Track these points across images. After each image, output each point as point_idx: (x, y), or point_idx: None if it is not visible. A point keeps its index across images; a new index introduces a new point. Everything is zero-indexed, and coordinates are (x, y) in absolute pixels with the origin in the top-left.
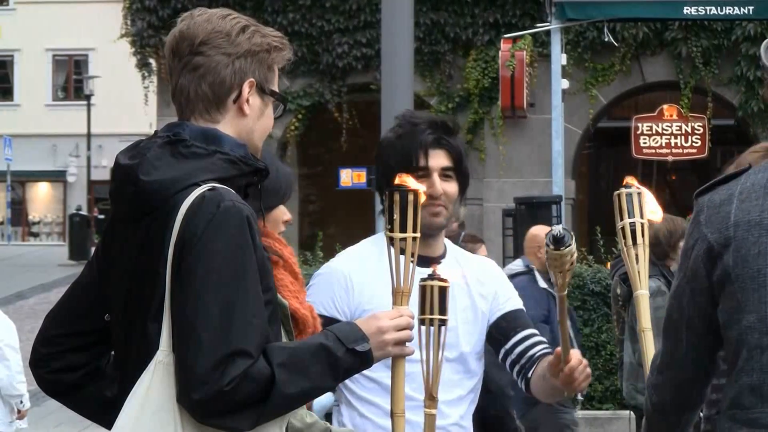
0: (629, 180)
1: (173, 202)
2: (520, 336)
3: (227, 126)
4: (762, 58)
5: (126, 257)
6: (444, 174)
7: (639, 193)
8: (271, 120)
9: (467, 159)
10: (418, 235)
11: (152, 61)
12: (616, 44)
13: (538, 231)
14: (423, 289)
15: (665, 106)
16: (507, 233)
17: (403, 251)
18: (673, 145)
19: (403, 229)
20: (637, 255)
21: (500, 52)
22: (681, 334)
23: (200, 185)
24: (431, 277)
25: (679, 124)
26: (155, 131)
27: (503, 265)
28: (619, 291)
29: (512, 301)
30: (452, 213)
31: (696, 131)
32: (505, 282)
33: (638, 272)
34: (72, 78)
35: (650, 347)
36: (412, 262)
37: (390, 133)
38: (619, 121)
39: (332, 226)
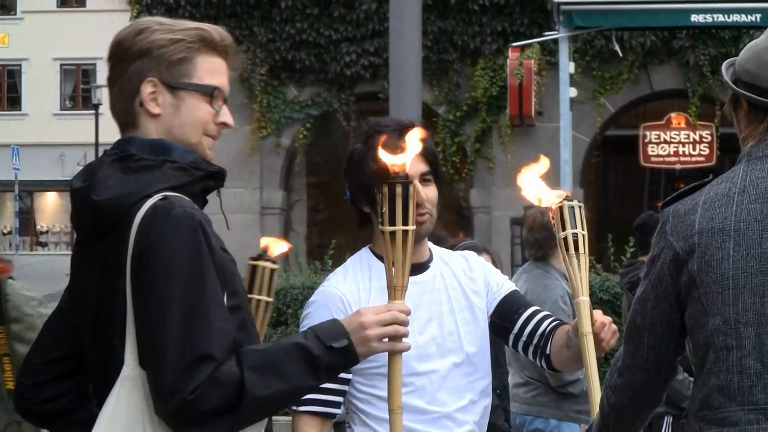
0: (568, 193)
1: (128, 217)
2: (525, 316)
3: (146, 129)
4: (723, 75)
5: (91, 278)
6: (423, 179)
7: (579, 206)
8: (197, 113)
9: (438, 157)
10: (410, 227)
11: None
12: (620, 54)
13: None
14: (254, 268)
15: (673, 115)
16: (515, 241)
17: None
18: (681, 153)
19: (395, 222)
20: (579, 264)
21: (508, 61)
22: (643, 338)
23: (152, 196)
24: (261, 256)
25: (687, 132)
26: (104, 150)
27: (511, 273)
28: (624, 300)
29: (505, 285)
30: (435, 217)
31: (704, 139)
32: (491, 269)
33: (580, 280)
34: (80, 87)
35: (591, 351)
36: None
37: (359, 144)
38: (627, 129)
39: (341, 235)
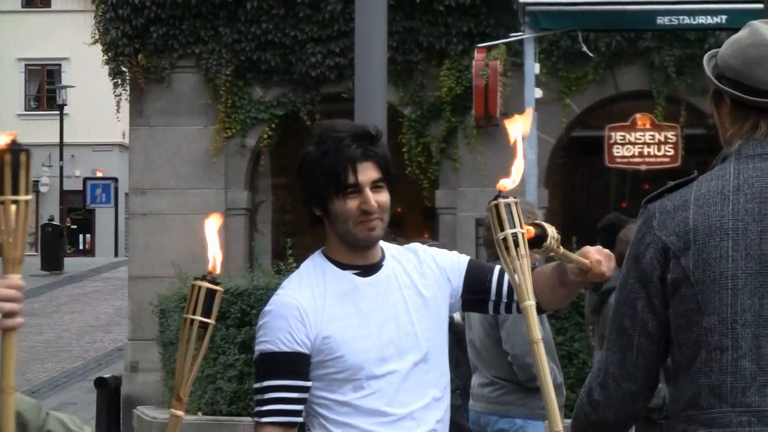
0: (503, 188)
1: None
2: (496, 279)
3: None
4: (705, 69)
5: None
6: (375, 186)
7: (516, 203)
8: None
9: (391, 163)
10: (22, 197)
11: (125, 70)
12: (591, 55)
13: None
14: (192, 288)
15: (638, 116)
16: (480, 242)
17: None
18: (646, 154)
19: (3, 192)
20: (522, 265)
21: (474, 62)
22: (632, 342)
23: None
24: (204, 277)
25: (652, 133)
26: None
27: None
28: (587, 300)
29: (460, 261)
30: (387, 222)
31: (669, 140)
32: (438, 254)
33: (525, 283)
34: (45, 88)
35: (543, 359)
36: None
37: (312, 148)
38: (593, 130)
39: (307, 235)
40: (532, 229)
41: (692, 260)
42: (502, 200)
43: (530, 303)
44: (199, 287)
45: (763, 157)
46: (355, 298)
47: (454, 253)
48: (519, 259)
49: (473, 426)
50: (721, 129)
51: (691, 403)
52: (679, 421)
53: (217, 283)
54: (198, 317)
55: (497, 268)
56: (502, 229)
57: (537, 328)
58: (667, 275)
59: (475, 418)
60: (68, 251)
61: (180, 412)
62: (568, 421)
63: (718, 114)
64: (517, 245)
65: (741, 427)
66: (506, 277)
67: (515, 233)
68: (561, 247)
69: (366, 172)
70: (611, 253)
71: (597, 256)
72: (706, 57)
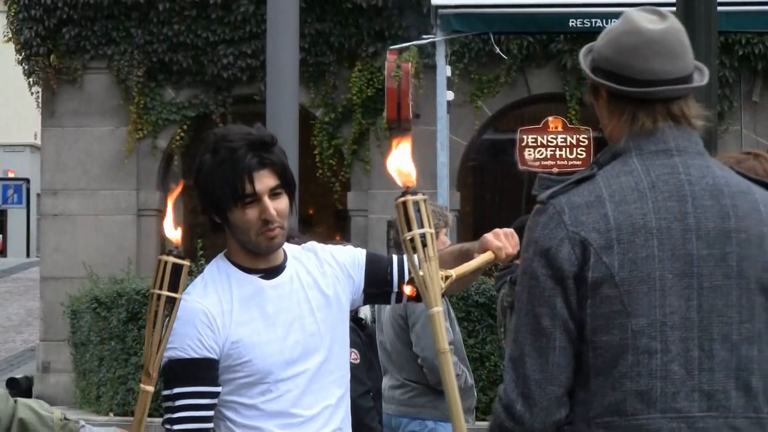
0: (409, 184)
1: None
2: (396, 271)
3: None
4: (581, 63)
5: None
6: (273, 194)
7: (424, 200)
8: None
9: (288, 166)
10: None
11: (38, 70)
12: (505, 56)
13: None
14: (158, 262)
15: (550, 118)
16: (391, 244)
17: None
18: (558, 156)
19: None
20: (430, 268)
21: (386, 63)
22: (554, 342)
23: None
24: (170, 251)
25: (564, 136)
26: None
27: None
28: (505, 293)
29: (359, 254)
30: (289, 227)
31: (581, 143)
32: (336, 251)
33: (432, 287)
34: None
35: (450, 370)
36: None
37: (207, 157)
38: (505, 133)
39: (219, 237)
40: (412, 287)
41: (617, 259)
42: (410, 197)
43: (437, 309)
44: (165, 262)
45: (667, 153)
46: (260, 301)
47: (350, 247)
48: (427, 261)
49: (385, 429)
50: (603, 122)
51: (611, 410)
52: (592, 428)
53: (182, 258)
54: (165, 292)
55: (395, 258)
56: (410, 229)
57: (444, 336)
58: (586, 273)
59: (387, 421)
60: None
61: (149, 388)
62: (480, 423)
63: (598, 108)
64: (425, 245)
65: None
66: (405, 267)
67: (423, 233)
68: (455, 270)
69: (263, 181)
70: (511, 231)
71: (497, 242)
72: (583, 50)
